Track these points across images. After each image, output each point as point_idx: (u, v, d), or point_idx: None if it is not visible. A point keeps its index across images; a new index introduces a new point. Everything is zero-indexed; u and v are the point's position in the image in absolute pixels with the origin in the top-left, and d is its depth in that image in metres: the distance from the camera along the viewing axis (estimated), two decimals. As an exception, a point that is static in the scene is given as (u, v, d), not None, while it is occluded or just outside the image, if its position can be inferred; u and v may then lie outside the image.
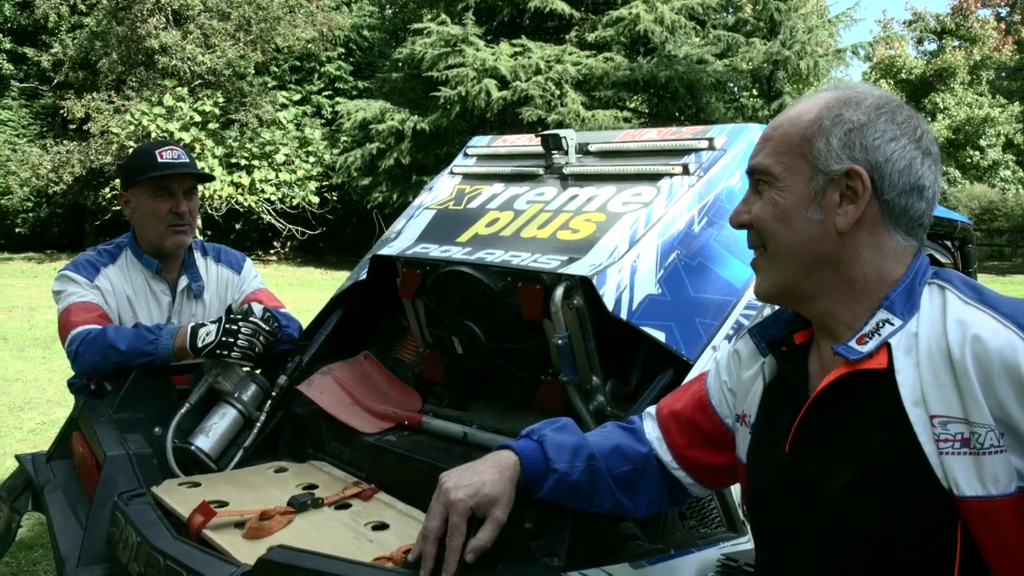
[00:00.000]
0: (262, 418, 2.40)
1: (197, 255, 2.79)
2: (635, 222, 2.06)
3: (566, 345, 1.99)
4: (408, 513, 1.93)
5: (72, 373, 2.63)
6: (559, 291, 1.96)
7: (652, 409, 1.53)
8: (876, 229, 1.19)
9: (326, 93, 23.18)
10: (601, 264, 1.95)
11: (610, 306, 1.88)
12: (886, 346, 1.15)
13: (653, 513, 1.55)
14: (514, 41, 18.39)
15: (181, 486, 2.09)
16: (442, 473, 1.36)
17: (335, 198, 20.95)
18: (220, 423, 2.34)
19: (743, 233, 1.30)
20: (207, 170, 17.26)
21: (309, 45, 20.28)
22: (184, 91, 18.01)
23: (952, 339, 1.10)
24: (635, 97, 19.76)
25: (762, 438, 1.32)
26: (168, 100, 17.59)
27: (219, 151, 18.19)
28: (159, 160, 2.55)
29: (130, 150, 13.88)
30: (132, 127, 17.24)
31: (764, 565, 1.31)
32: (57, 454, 2.44)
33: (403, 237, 2.49)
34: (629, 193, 2.19)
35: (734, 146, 2.18)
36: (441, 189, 2.68)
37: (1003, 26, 33.29)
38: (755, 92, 22.74)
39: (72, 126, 19.63)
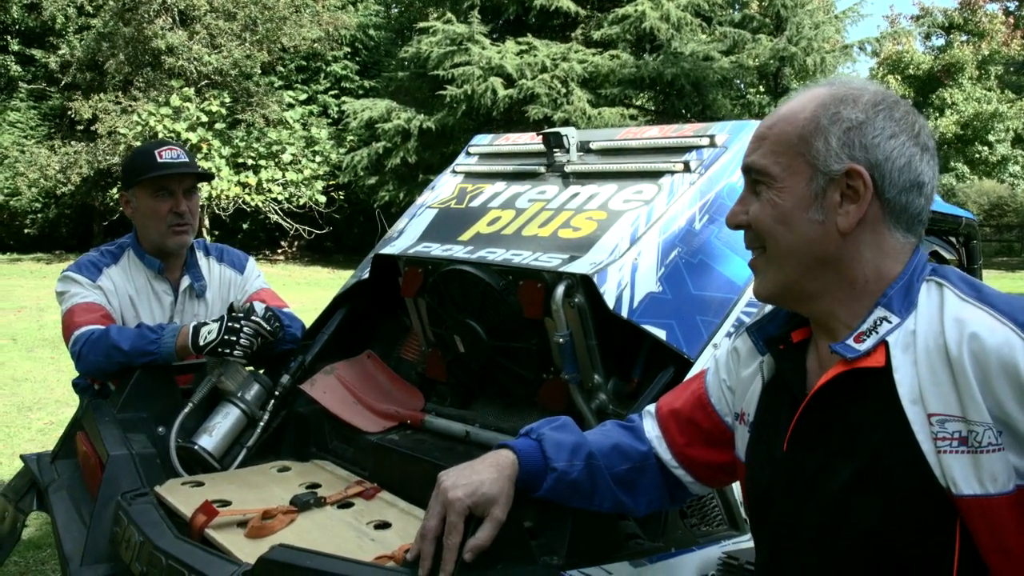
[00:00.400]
0: (265, 417, 2.41)
1: (199, 255, 2.80)
2: (636, 220, 2.06)
3: (567, 343, 1.98)
4: (410, 512, 1.93)
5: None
6: (560, 289, 1.96)
7: (651, 407, 1.53)
8: (877, 228, 1.18)
9: (332, 92, 23.21)
10: (602, 262, 1.94)
11: (611, 304, 1.88)
12: (884, 344, 1.14)
13: (653, 512, 1.55)
14: (520, 39, 18.38)
15: (184, 485, 2.09)
16: (440, 472, 1.36)
17: (342, 197, 20.98)
18: (223, 422, 2.35)
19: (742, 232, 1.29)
20: (214, 170, 17.33)
21: (315, 45, 20.33)
22: (191, 91, 18.06)
23: (950, 337, 1.10)
24: (641, 95, 19.73)
25: (761, 436, 1.32)
26: (175, 100, 17.64)
27: (226, 151, 18.23)
28: (158, 160, 2.56)
29: (136, 151, 13.91)
30: (139, 127, 17.29)
31: (763, 564, 1.31)
32: (62, 454, 2.45)
33: (405, 236, 2.49)
34: (630, 191, 2.18)
35: (735, 143, 2.17)
36: (443, 188, 2.68)
37: (1012, 20, 33.07)
38: (762, 89, 22.68)
39: (79, 127, 19.71)
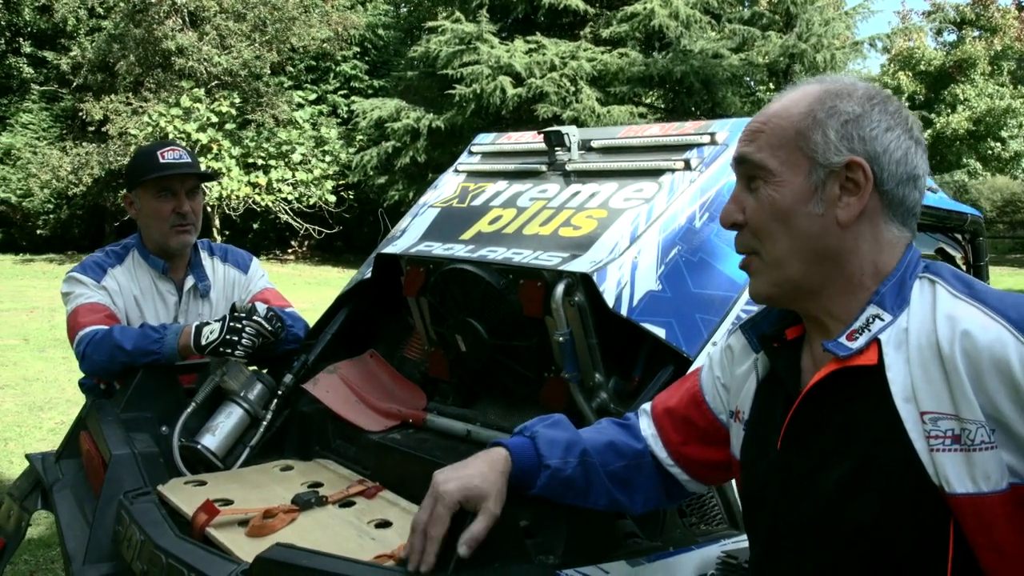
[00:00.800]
0: (268, 417, 2.42)
1: (204, 255, 2.81)
2: (636, 218, 2.05)
3: (567, 342, 1.98)
4: (412, 511, 1.93)
5: (85, 373, 2.66)
6: (560, 288, 1.96)
7: (647, 406, 1.52)
8: (875, 221, 1.18)
9: (342, 92, 23.26)
10: (602, 261, 1.94)
11: (610, 303, 1.88)
12: (876, 342, 1.14)
13: (650, 510, 1.54)
14: (528, 38, 18.35)
15: (187, 485, 2.10)
16: (436, 471, 1.36)
17: (351, 197, 21.02)
18: (226, 422, 2.36)
19: None
20: (224, 170, 17.38)
21: (324, 45, 20.38)
22: (201, 92, 18.13)
23: (942, 334, 1.09)
24: (651, 93, 19.67)
25: (755, 435, 1.31)
26: (185, 101, 17.71)
27: (236, 151, 18.28)
28: (161, 161, 2.58)
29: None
30: (150, 128, 17.37)
31: (757, 562, 1.31)
32: (66, 453, 2.47)
33: (407, 235, 2.50)
34: (631, 189, 2.18)
35: (736, 141, 2.16)
36: (446, 187, 2.69)
37: (1024, 15, 32.85)
38: (771, 86, 22.57)
39: (91, 128, 19.83)
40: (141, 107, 18.49)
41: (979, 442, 1.05)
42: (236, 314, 2.37)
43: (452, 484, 1.30)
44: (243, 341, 2.32)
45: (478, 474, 1.32)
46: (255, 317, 2.36)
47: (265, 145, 18.78)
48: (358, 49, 23.28)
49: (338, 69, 23.31)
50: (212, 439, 2.32)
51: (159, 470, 2.13)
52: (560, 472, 1.37)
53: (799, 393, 1.21)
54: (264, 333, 2.37)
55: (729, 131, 2.21)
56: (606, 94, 18.01)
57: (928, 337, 1.10)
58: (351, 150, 20.42)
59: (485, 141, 2.81)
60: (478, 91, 17.68)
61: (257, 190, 18.60)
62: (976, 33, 32.92)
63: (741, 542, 1.73)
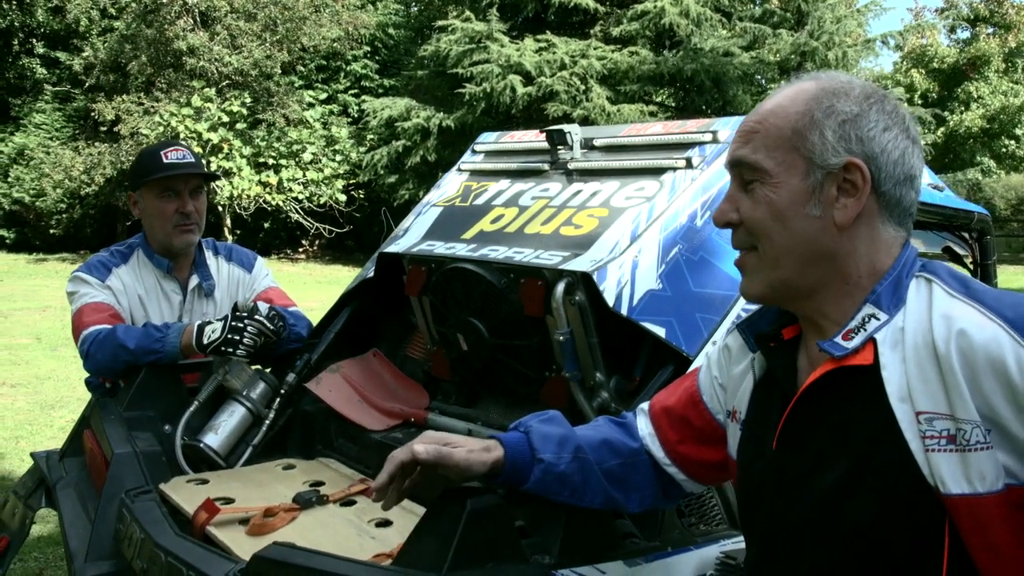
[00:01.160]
0: (271, 416, 2.42)
1: (208, 254, 2.82)
2: (637, 217, 2.05)
3: (568, 341, 1.98)
4: (412, 510, 1.93)
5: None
6: (560, 287, 1.95)
7: (644, 405, 1.52)
8: (872, 222, 1.17)
9: (352, 91, 23.29)
10: (602, 260, 1.94)
11: (610, 302, 1.87)
12: (872, 341, 1.13)
13: (647, 509, 1.53)
14: (539, 36, 18.33)
15: (189, 483, 2.11)
16: None
17: (362, 196, 21.06)
18: (229, 421, 2.37)
19: None
20: (235, 170, 17.44)
21: (335, 44, 20.40)
22: (212, 92, 18.18)
23: (938, 334, 1.08)
24: (661, 91, 19.60)
25: (752, 435, 1.30)
26: (196, 101, 17.77)
27: (247, 151, 18.33)
28: (164, 161, 2.59)
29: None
30: (161, 128, 17.44)
31: (753, 563, 1.30)
32: (70, 451, 2.48)
33: (410, 234, 2.50)
34: (632, 188, 2.17)
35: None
36: (448, 186, 2.69)
37: (1039, 12, 32.57)
38: (783, 84, 22.49)
39: (103, 128, 19.91)
40: (152, 107, 18.57)
41: (974, 442, 1.04)
42: (238, 313, 2.38)
43: (425, 443, 1.39)
44: (245, 340, 2.33)
45: (458, 445, 1.40)
46: (257, 316, 2.37)
47: (276, 144, 18.83)
48: (368, 48, 23.30)
49: (348, 68, 23.34)
50: (215, 438, 2.33)
51: (161, 468, 2.14)
52: (554, 467, 1.37)
53: (795, 393, 1.20)
54: (266, 332, 2.37)
55: (731, 129, 2.19)
56: (616, 93, 17.96)
57: (924, 336, 1.09)
58: (361, 149, 20.44)
59: (488, 140, 2.81)
60: (488, 90, 17.67)
61: (268, 189, 18.66)
62: (990, 30, 32.69)
63: (740, 543, 1.72)
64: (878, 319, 1.14)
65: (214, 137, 17.56)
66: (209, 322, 2.38)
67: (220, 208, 18.39)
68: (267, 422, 2.41)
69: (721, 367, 1.42)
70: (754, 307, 1.87)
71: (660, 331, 1.85)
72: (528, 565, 1.40)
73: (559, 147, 2.45)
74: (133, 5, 19.10)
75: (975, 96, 30.19)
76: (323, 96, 22.50)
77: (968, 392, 1.04)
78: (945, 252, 3.04)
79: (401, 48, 24.24)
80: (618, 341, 2.02)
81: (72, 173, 19.32)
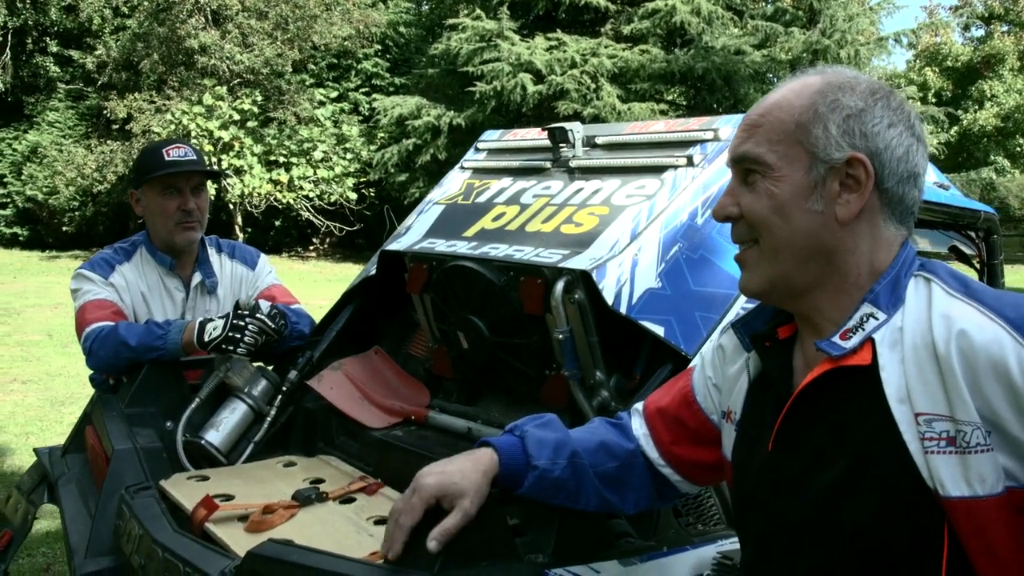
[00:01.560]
0: (272, 413, 2.43)
1: (211, 251, 2.82)
2: (637, 215, 2.04)
3: (568, 340, 1.97)
4: (411, 508, 1.93)
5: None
6: (560, 285, 1.94)
7: (639, 405, 1.51)
8: (873, 219, 1.15)
9: (363, 90, 23.32)
10: (602, 258, 1.93)
11: (610, 300, 1.86)
12: (870, 341, 1.11)
13: (643, 510, 1.52)
14: (549, 35, 18.31)
15: (189, 480, 2.12)
16: (423, 468, 1.36)
17: (372, 194, 21.09)
18: (230, 417, 2.37)
19: None
20: (246, 167, 17.49)
21: (346, 42, 20.43)
22: (223, 90, 18.25)
23: (937, 334, 1.06)
24: (672, 89, 19.54)
25: (747, 435, 1.29)
26: (208, 99, 17.83)
27: (258, 149, 18.40)
28: (166, 159, 2.59)
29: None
30: (173, 126, 17.51)
31: (748, 564, 1.29)
32: (72, 448, 2.49)
33: (412, 232, 2.50)
34: (633, 186, 2.16)
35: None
36: (451, 184, 2.69)
37: (1055, 10, 32.29)
38: (787, 78, 22.38)
39: (115, 126, 20.00)
40: (164, 105, 18.65)
41: (974, 444, 1.02)
42: (239, 311, 2.38)
43: (432, 479, 1.29)
44: (246, 338, 2.33)
45: (459, 471, 1.31)
46: (258, 314, 2.37)
47: (287, 143, 18.89)
48: (379, 47, 23.32)
49: (359, 67, 23.37)
50: (216, 435, 2.33)
51: (162, 465, 2.14)
52: (548, 473, 1.36)
53: (790, 394, 1.19)
54: (267, 331, 2.38)
55: (732, 127, 2.18)
56: (627, 91, 17.92)
57: (923, 336, 1.08)
58: (372, 147, 20.47)
59: (491, 138, 2.81)
60: (498, 88, 17.66)
61: (279, 187, 18.71)
62: (1005, 28, 32.45)
63: (737, 543, 1.71)
64: (876, 319, 1.12)
65: (225, 135, 17.62)
66: (210, 320, 2.38)
67: (231, 206, 18.45)
68: (268, 419, 2.42)
69: (715, 367, 1.41)
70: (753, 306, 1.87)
71: (659, 330, 1.84)
72: (522, 564, 1.39)
73: (561, 145, 2.44)
74: (145, 4, 19.18)
75: (989, 95, 29.98)
76: (334, 94, 22.54)
77: (968, 393, 1.02)
78: (952, 251, 3.01)
79: (412, 46, 24.26)
80: (618, 339, 2.01)
81: (85, 171, 19.43)
